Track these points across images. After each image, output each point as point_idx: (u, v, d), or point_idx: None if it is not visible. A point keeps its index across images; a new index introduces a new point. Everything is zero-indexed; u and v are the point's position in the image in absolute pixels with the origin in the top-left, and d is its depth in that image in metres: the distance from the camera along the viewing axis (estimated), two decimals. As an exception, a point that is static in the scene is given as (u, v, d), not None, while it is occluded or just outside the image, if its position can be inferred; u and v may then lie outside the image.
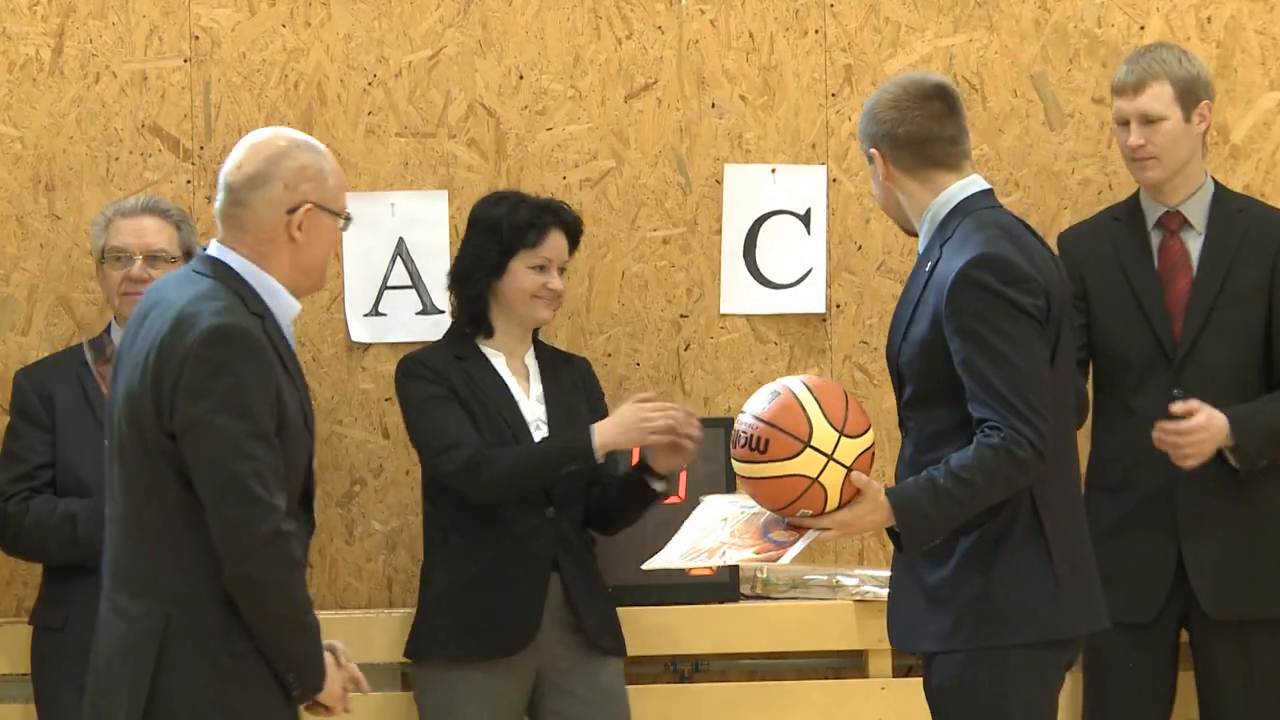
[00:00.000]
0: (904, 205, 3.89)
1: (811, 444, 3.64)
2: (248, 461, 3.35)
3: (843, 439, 3.66)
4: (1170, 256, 4.63)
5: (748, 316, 5.02)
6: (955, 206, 3.83)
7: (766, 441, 3.65)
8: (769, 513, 3.77)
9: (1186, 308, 4.57)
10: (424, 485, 4.58)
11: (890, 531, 3.75)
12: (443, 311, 4.82)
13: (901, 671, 4.84)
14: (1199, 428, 4.40)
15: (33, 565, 4.58)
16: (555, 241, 4.55)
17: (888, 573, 4.97)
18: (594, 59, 4.99)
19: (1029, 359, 3.69)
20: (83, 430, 4.41)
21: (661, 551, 3.86)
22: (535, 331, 4.65)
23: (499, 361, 4.55)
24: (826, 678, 4.83)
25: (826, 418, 3.66)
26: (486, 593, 4.43)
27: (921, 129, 3.84)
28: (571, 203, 4.81)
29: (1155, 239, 4.66)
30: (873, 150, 3.88)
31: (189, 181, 4.87)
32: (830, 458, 3.64)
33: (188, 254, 4.52)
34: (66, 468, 4.42)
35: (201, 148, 4.88)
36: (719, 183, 5.00)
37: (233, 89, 4.90)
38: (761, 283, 5.01)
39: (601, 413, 4.58)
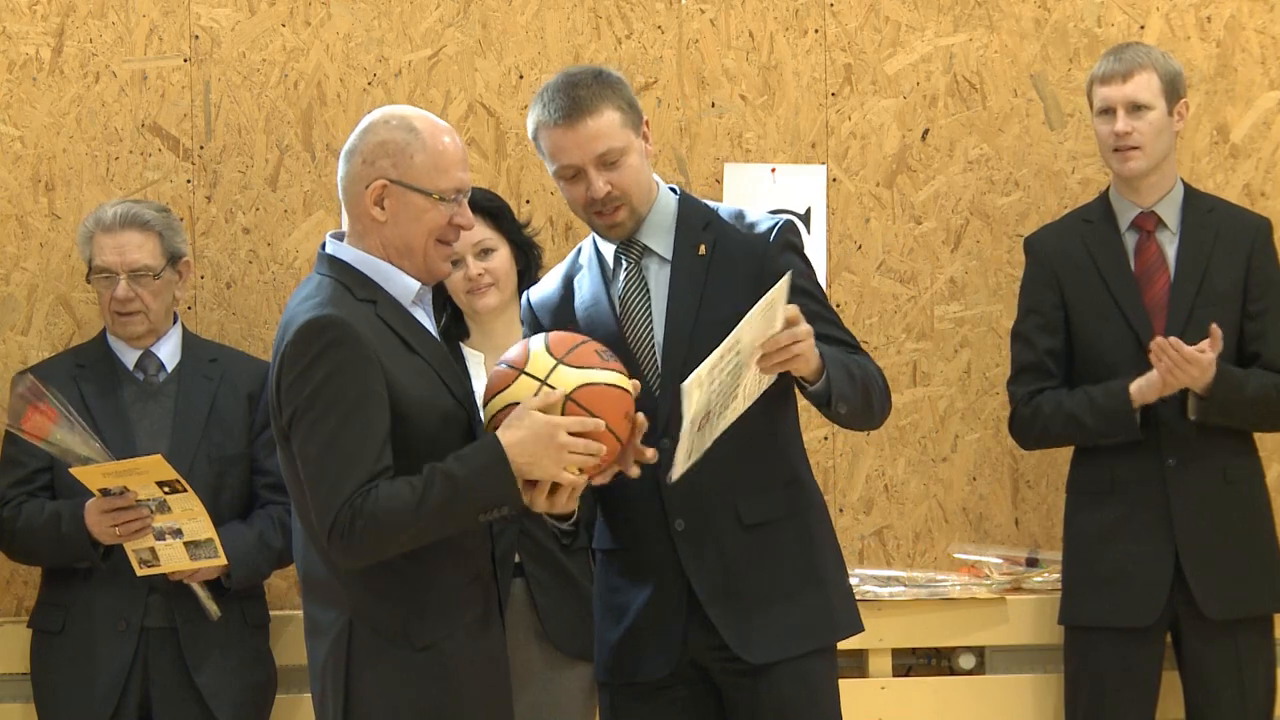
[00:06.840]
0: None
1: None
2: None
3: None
4: (1146, 258, 4.65)
5: (748, 316, 5.02)
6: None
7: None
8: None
9: (1167, 309, 4.60)
10: None
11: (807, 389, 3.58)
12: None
13: (901, 671, 4.84)
14: (1205, 363, 4.41)
15: (33, 566, 4.58)
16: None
17: (888, 572, 4.94)
18: (594, 59, 4.99)
19: None
20: (79, 434, 4.40)
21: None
22: None
23: (476, 363, 4.32)
24: (826, 677, 4.83)
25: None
26: None
27: None
28: (571, 202, 4.79)
29: (1130, 240, 4.68)
30: None
31: (189, 181, 4.87)
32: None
33: (173, 259, 4.51)
34: (64, 471, 4.41)
35: (201, 147, 4.88)
36: (719, 182, 5.00)
37: (233, 89, 4.90)
38: (761, 282, 5.00)
39: None
